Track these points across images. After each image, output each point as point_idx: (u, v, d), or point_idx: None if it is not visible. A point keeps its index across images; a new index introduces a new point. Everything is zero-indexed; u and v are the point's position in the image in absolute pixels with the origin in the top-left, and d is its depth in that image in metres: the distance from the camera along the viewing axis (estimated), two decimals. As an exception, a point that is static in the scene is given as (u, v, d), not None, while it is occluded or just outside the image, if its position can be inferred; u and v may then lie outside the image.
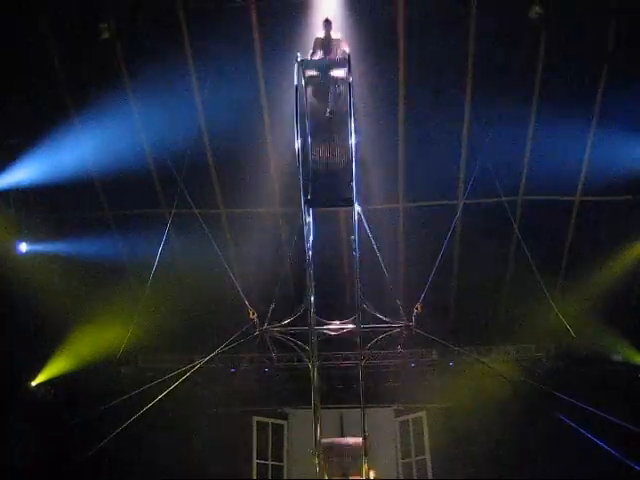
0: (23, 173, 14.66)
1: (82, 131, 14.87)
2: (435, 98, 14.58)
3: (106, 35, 13.70)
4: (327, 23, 10.83)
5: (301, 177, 9.78)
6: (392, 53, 14.22)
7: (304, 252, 11.39)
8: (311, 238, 10.64)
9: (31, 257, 15.68)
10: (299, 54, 9.96)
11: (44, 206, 15.84)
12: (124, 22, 13.82)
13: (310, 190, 9.97)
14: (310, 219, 10.61)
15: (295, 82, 9.60)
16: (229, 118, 14.78)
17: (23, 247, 15.48)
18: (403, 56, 14.23)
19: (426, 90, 14.55)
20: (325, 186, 10.10)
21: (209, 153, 15.44)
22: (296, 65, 9.70)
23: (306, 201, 9.94)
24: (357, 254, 11.09)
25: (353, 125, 9.71)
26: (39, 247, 15.80)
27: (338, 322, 12.85)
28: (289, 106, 14.05)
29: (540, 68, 14.28)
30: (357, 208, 10.54)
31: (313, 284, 11.30)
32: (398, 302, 12.65)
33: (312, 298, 11.40)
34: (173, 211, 14.68)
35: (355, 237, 11.07)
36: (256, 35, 13.93)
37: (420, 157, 15.43)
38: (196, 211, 14.66)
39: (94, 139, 14.98)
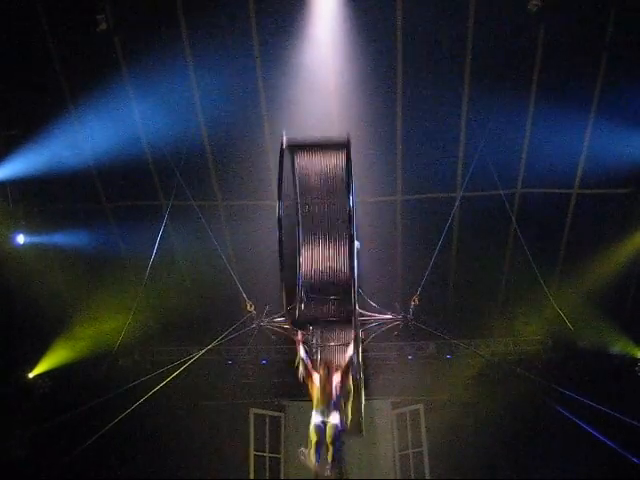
0: (21, 165, 14.63)
1: (80, 123, 14.85)
2: (433, 91, 14.57)
3: (104, 27, 13.62)
4: None
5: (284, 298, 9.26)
6: (390, 46, 14.19)
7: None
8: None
9: (29, 249, 15.66)
10: (284, 136, 9.13)
11: (42, 198, 15.81)
12: (121, 14, 13.76)
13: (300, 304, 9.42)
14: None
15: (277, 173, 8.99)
16: (227, 110, 14.78)
17: (21, 239, 15.47)
18: (401, 49, 14.20)
19: (424, 83, 14.54)
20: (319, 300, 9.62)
21: (207, 145, 15.41)
22: (280, 148, 8.81)
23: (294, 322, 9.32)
24: (355, 246, 11.07)
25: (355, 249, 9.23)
26: (37, 239, 15.79)
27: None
28: (288, 99, 14.18)
29: (538, 60, 14.26)
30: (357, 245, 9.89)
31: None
32: (396, 295, 12.62)
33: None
34: (171, 203, 14.67)
35: (353, 229, 11.07)
36: (254, 25, 13.88)
37: (418, 150, 15.45)
38: (194, 203, 14.64)
39: (92, 131, 14.99)
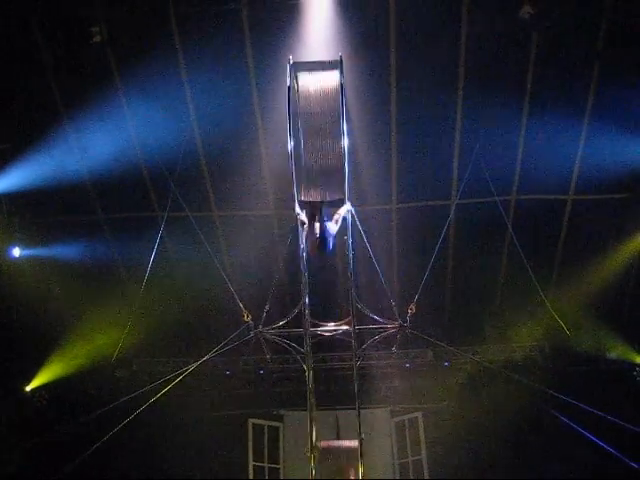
0: (15, 177, 14.61)
1: (74, 135, 14.85)
2: (427, 98, 14.59)
3: (97, 39, 13.66)
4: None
5: (294, 177, 9.87)
6: (384, 54, 14.21)
7: (298, 254, 11.44)
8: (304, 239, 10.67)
9: (24, 262, 15.64)
10: (291, 57, 9.99)
11: (37, 210, 15.79)
12: (115, 26, 13.78)
13: (303, 189, 10.02)
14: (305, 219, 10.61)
15: (287, 83, 9.71)
16: (222, 121, 14.78)
17: (16, 252, 15.43)
18: (395, 57, 14.23)
19: (418, 90, 14.55)
20: (318, 186, 10.22)
21: (202, 156, 15.41)
22: (288, 67, 9.76)
23: (299, 201, 9.96)
24: (351, 254, 11.09)
25: (345, 127, 9.76)
26: (32, 252, 15.77)
27: (332, 324, 12.82)
28: (281, 109, 14.10)
29: (531, 67, 14.29)
30: (350, 207, 10.54)
31: (307, 285, 11.33)
32: (392, 303, 12.62)
33: (307, 300, 11.42)
34: (166, 214, 14.68)
35: (349, 236, 11.09)
36: (247, 38, 13.91)
37: (413, 157, 15.45)
38: (189, 214, 14.65)
39: (86, 143, 14.98)
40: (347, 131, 9.87)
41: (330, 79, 10.26)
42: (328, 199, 10.21)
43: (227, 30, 13.86)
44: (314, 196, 10.14)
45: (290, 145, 9.74)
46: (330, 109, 10.22)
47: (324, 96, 10.31)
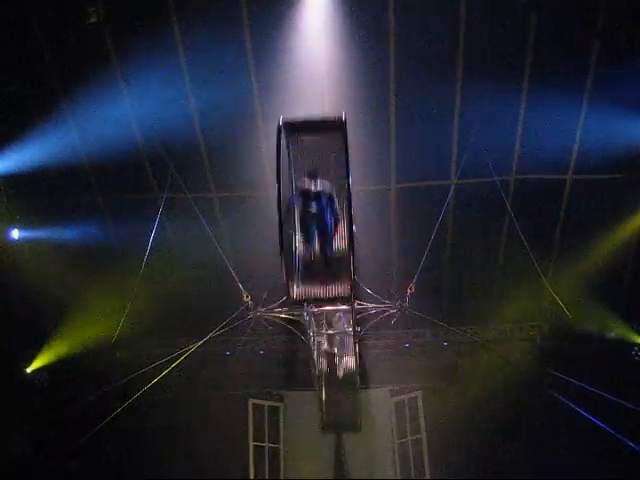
0: (14, 160, 14.60)
1: (72, 116, 14.80)
2: (426, 78, 14.53)
3: (94, 19, 13.57)
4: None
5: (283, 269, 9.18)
6: (382, 32, 14.15)
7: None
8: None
9: (23, 244, 15.67)
10: (281, 118, 9.31)
11: (35, 192, 15.75)
12: (112, 6, 13.67)
13: (297, 284, 9.45)
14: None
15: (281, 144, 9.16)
16: (220, 101, 14.70)
17: (15, 234, 15.45)
18: (393, 36, 14.17)
19: (417, 70, 14.49)
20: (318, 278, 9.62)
21: (200, 137, 15.36)
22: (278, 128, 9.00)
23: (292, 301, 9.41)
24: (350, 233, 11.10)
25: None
26: (31, 234, 15.79)
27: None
28: (280, 88, 14.15)
29: (531, 47, 14.23)
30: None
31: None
32: (391, 283, 12.65)
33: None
34: (165, 195, 14.66)
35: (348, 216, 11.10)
36: (245, 16, 13.83)
37: (412, 138, 15.40)
38: (188, 195, 14.62)
39: (85, 124, 14.92)
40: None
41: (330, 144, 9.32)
42: (329, 296, 9.45)
43: (225, 10, 13.78)
44: (311, 293, 9.32)
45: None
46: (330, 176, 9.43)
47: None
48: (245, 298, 12.68)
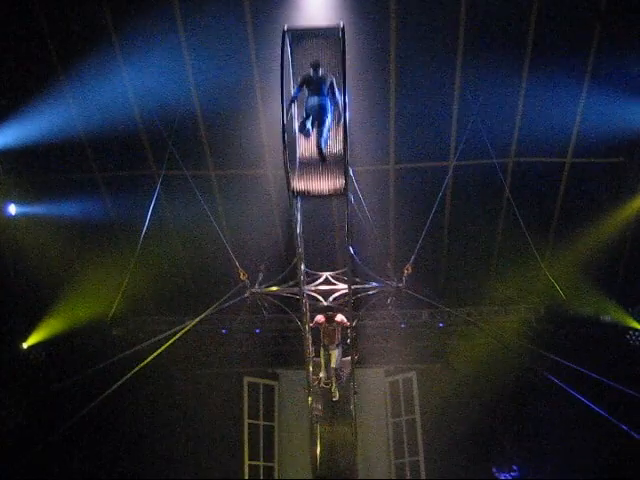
0: (12, 135, 14.53)
1: (71, 92, 14.71)
2: (427, 59, 14.48)
3: (93, -7, 13.50)
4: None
5: (286, 166, 9.31)
6: (384, 15, 14.07)
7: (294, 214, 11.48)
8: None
9: (20, 219, 15.63)
10: (286, 25, 9.61)
11: (33, 168, 15.70)
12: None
13: (297, 177, 9.75)
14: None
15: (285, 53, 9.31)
16: (219, 79, 14.65)
17: (12, 209, 15.42)
18: (395, 18, 14.09)
19: (418, 51, 14.43)
20: (315, 173, 9.86)
21: (199, 114, 15.29)
22: (283, 35, 9.32)
23: (293, 191, 9.58)
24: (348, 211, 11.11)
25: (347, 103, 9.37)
26: (28, 209, 15.75)
27: (328, 280, 12.82)
28: (279, 68, 14.06)
29: (532, 29, 14.15)
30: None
31: (303, 244, 11.36)
32: (388, 263, 12.65)
33: (301, 251, 11.40)
34: (162, 172, 14.61)
35: (347, 196, 11.13)
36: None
37: (411, 118, 15.37)
38: (186, 172, 14.57)
39: (83, 100, 14.84)
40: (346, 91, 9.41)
41: (330, 46, 9.92)
42: (325, 191, 9.72)
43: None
44: (309, 187, 9.66)
45: (284, 119, 9.13)
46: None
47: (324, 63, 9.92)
48: (242, 276, 12.67)
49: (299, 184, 9.61)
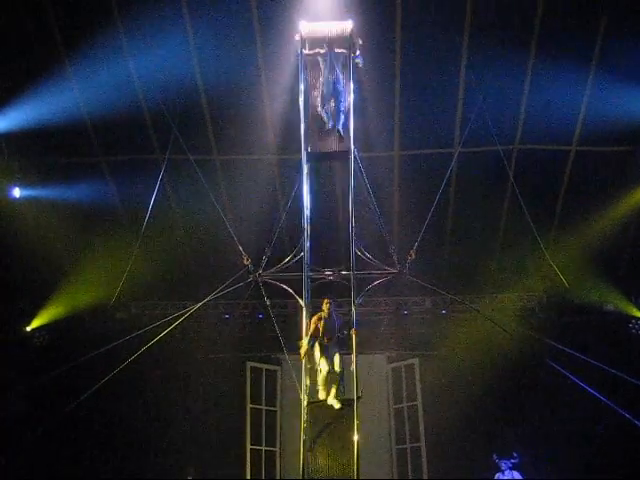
0: (16, 118, 14.54)
1: (75, 75, 14.70)
2: (432, 46, 14.45)
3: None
4: None
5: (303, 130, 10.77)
6: (389, 1, 14.03)
7: (298, 199, 11.49)
8: (306, 188, 11.37)
9: (24, 202, 15.64)
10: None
11: (37, 151, 15.70)
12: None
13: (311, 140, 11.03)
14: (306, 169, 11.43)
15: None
16: (224, 63, 14.65)
17: (16, 192, 15.42)
18: (400, 4, 14.05)
19: (423, 37, 14.41)
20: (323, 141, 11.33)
21: (203, 99, 15.28)
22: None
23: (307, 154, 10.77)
24: (352, 195, 11.16)
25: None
26: (32, 192, 15.76)
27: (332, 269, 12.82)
28: (284, 51, 14.04)
29: (538, 16, 14.11)
30: (353, 152, 11.36)
31: (308, 229, 11.38)
32: (392, 249, 12.64)
33: (307, 243, 11.44)
34: (167, 157, 14.59)
35: (350, 182, 11.19)
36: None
37: (416, 105, 15.36)
38: (190, 157, 14.55)
39: (87, 83, 14.82)
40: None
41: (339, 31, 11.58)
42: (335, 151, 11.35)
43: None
44: (322, 147, 11.25)
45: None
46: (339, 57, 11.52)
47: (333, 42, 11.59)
48: (245, 261, 12.68)
49: (313, 146, 11.40)
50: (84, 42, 14.22)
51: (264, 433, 18.02)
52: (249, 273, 12.66)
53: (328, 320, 10.95)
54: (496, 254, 17.40)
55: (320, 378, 10.89)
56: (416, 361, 18.45)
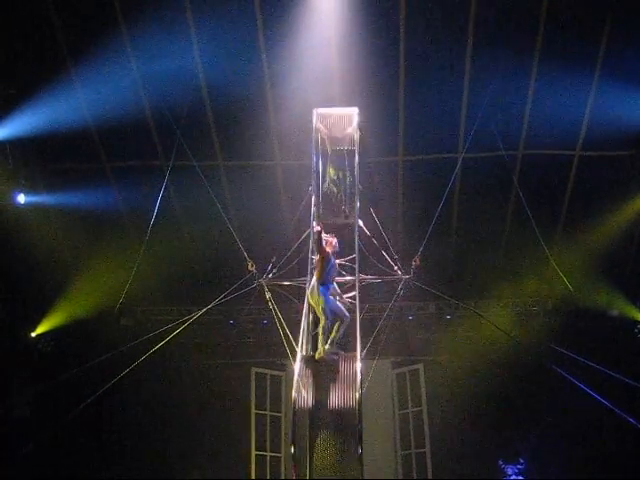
0: (21, 124, 14.55)
1: (80, 82, 14.73)
2: (436, 50, 14.47)
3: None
4: None
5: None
6: (393, 5, 14.06)
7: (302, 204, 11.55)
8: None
9: (29, 208, 15.64)
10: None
11: (42, 157, 15.77)
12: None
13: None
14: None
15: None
16: (228, 69, 14.68)
17: (21, 198, 15.43)
18: (405, 8, 14.06)
19: (427, 42, 14.42)
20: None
21: (208, 105, 15.31)
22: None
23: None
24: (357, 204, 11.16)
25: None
26: (37, 198, 15.77)
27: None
28: (289, 58, 14.09)
29: (542, 21, 14.13)
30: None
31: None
32: (396, 255, 12.64)
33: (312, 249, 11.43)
34: (171, 163, 14.62)
35: (355, 188, 11.18)
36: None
37: (420, 110, 15.37)
38: (195, 163, 14.58)
39: (92, 90, 14.85)
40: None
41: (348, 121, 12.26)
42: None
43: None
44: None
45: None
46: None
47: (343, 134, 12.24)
48: (250, 267, 12.68)
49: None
50: (89, 49, 14.24)
51: (269, 439, 18.01)
52: (253, 279, 12.66)
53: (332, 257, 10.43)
54: (501, 259, 17.38)
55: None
56: (421, 366, 18.43)
